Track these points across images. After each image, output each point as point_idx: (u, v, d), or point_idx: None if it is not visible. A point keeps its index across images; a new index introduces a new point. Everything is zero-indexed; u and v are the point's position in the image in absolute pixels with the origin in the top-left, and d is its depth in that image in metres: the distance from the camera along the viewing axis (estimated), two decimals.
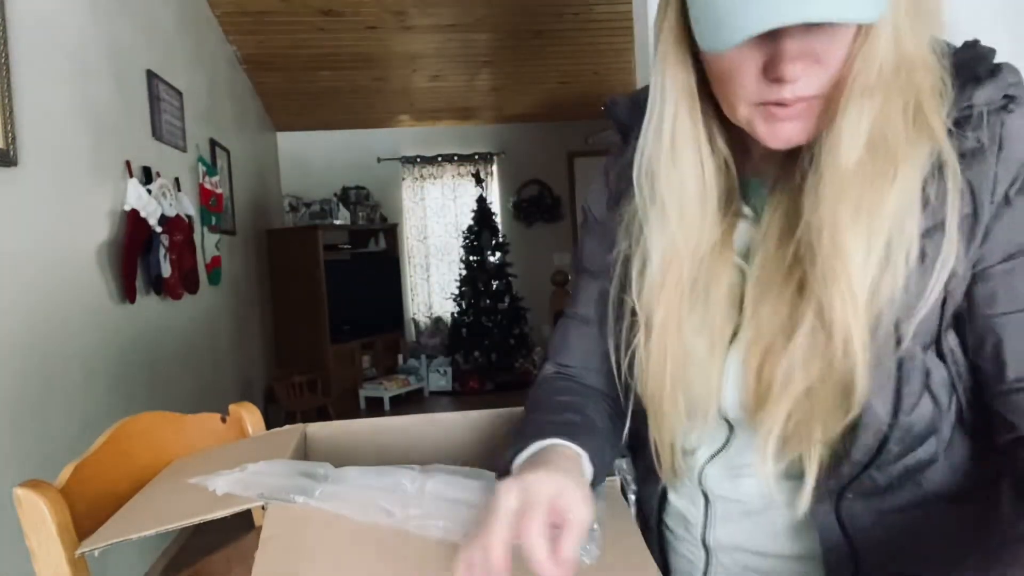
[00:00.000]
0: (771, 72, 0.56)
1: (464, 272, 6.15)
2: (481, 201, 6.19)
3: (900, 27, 0.56)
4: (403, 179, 6.73)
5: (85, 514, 0.77)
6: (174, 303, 3.23)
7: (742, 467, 0.70)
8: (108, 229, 2.62)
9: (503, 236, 6.31)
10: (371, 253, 6.21)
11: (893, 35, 0.56)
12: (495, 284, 6.12)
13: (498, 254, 6.15)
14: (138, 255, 2.79)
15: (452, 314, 6.31)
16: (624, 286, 0.70)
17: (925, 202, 0.58)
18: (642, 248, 0.68)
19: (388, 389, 5.49)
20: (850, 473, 0.62)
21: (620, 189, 0.74)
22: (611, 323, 0.72)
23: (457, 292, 6.17)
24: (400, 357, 6.15)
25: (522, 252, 6.66)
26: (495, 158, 6.83)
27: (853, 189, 0.57)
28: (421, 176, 6.77)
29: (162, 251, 2.98)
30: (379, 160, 6.64)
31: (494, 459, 0.68)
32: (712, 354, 0.66)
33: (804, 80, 0.56)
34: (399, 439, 0.96)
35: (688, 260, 0.65)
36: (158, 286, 2.98)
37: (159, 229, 2.92)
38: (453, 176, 6.82)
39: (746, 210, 0.68)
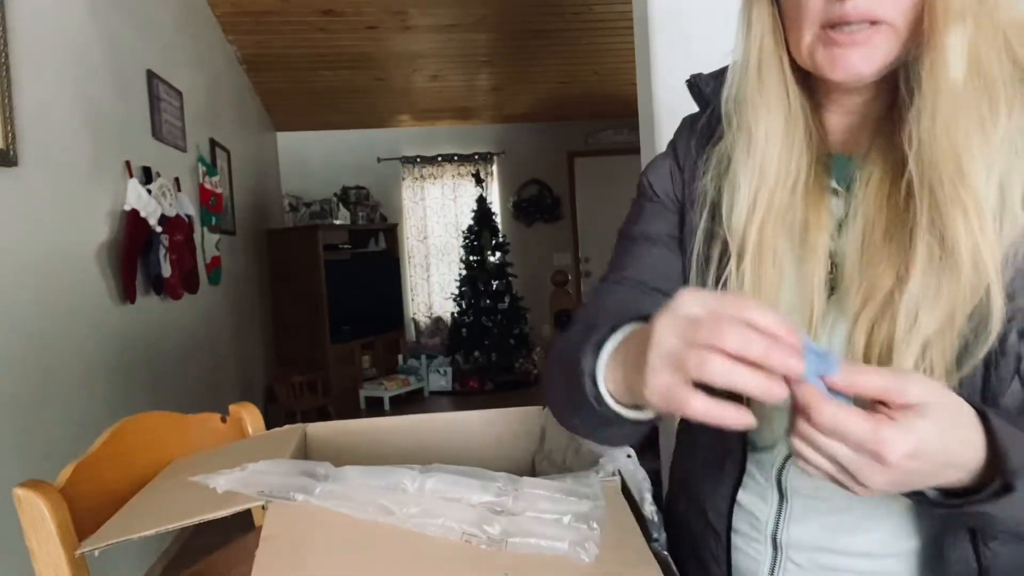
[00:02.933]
0: None
1: (464, 272, 6.15)
2: (481, 201, 6.19)
3: None
4: (403, 179, 6.73)
5: (85, 514, 0.77)
6: (174, 303, 3.23)
7: None
8: (108, 229, 2.62)
9: (503, 236, 6.31)
10: (371, 253, 6.21)
11: None
12: (495, 284, 6.12)
13: (498, 254, 6.15)
14: (138, 255, 2.79)
15: (452, 314, 6.31)
16: (712, 222, 0.69)
17: None
18: (731, 177, 0.68)
19: (388, 389, 5.49)
20: None
21: (697, 150, 0.74)
22: (695, 269, 0.71)
23: (457, 292, 6.17)
24: (400, 357, 6.15)
25: (522, 252, 6.66)
26: (495, 158, 6.83)
27: (965, 108, 0.56)
28: (421, 176, 6.77)
29: (162, 251, 2.98)
30: (379, 160, 6.64)
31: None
32: (806, 327, 0.63)
33: None
34: (399, 439, 0.96)
35: (778, 186, 0.65)
36: (158, 286, 2.98)
37: (159, 229, 2.92)
38: (453, 176, 6.82)
39: (834, 184, 0.67)
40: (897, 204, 0.60)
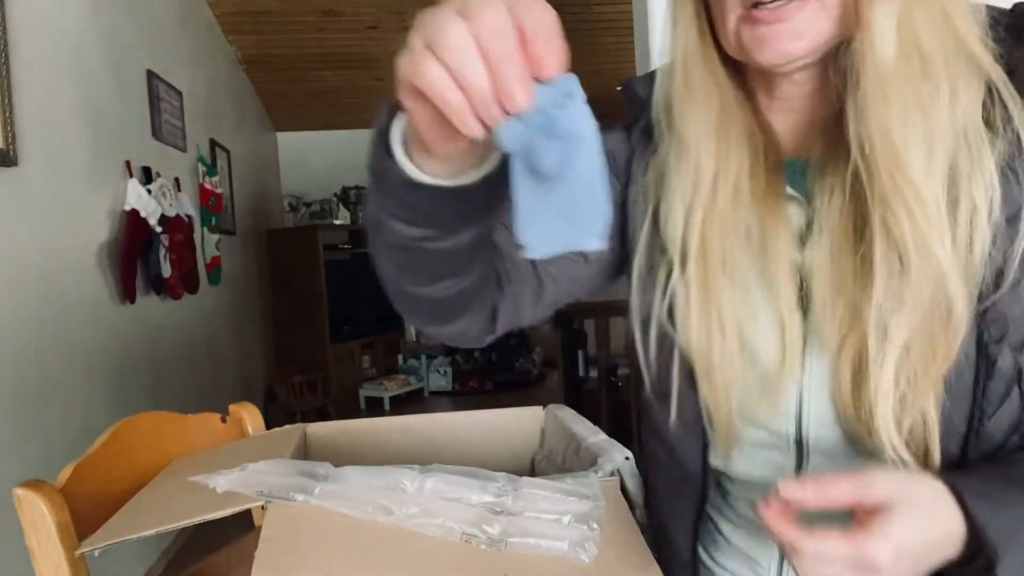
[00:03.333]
0: None
1: None
2: None
3: None
4: None
5: (85, 514, 0.77)
6: (174, 303, 3.23)
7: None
8: (108, 229, 2.62)
9: None
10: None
11: None
12: None
13: None
14: (138, 255, 2.79)
15: None
16: (652, 235, 0.65)
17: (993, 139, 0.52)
18: (667, 182, 0.64)
19: (388, 389, 5.49)
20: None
21: (635, 157, 0.70)
22: (639, 285, 0.66)
23: None
24: (400, 357, 6.15)
25: None
26: None
27: (899, 88, 0.52)
28: None
29: (162, 251, 2.98)
30: None
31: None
32: (782, 350, 0.59)
33: None
34: (399, 439, 0.96)
35: (719, 190, 0.60)
36: (158, 286, 2.98)
37: (159, 229, 2.92)
38: None
39: (791, 191, 0.62)
40: (860, 213, 0.56)
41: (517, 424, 0.99)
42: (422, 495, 0.65)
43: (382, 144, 0.50)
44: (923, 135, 0.52)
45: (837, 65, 0.56)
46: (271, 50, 4.77)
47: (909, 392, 0.54)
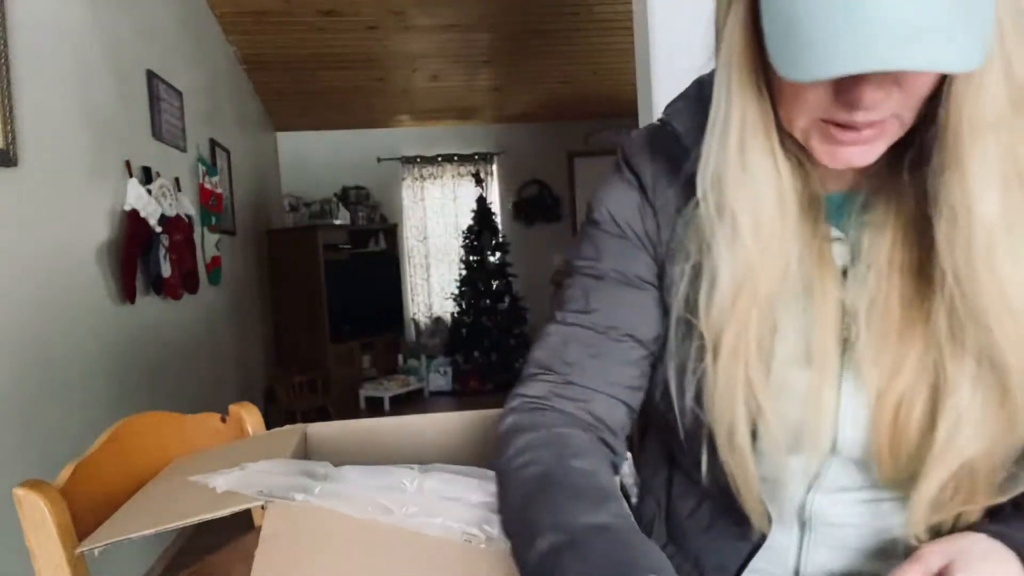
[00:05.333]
0: (846, 94, 0.50)
1: (464, 272, 6.15)
2: (481, 201, 6.19)
3: (1012, 59, 0.50)
4: (403, 179, 6.72)
5: (85, 514, 0.77)
6: (174, 303, 3.23)
7: (848, 489, 0.64)
8: (108, 229, 2.62)
9: (503, 236, 6.31)
10: (371, 253, 6.21)
11: (1003, 70, 0.50)
12: (495, 284, 6.11)
13: (498, 254, 6.15)
14: (138, 255, 2.79)
15: (452, 314, 6.30)
16: (689, 304, 0.63)
17: None
18: (709, 266, 0.60)
19: (388, 389, 5.49)
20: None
21: (680, 199, 0.66)
22: (675, 343, 0.64)
23: (457, 292, 6.17)
24: (400, 357, 6.15)
25: (522, 252, 6.66)
26: (495, 158, 6.83)
27: (1007, 237, 0.52)
28: (421, 176, 6.77)
29: (162, 251, 2.98)
30: (379, 160, 6.64)
31: None
32: (820, 386, 0.59)
33: (881, 106, 0.50)
34: (399, 439, 0.96)
35: (764, 279, 0.58)
36: (158, 286, 2.98)
37: (159, 229, 2.92)
38: (453, 176, 6.82)
39: (835, 232, 0.61)
40: (913, 267, 0.57)
41: None
42: (422, 495, 0.65)
43: None
44: None
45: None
46: (271, 50, 4.77)
47: (951, 500, 0.56)
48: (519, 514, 0.58)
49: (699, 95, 0.65)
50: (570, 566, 0.49)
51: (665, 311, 0.68)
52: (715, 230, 0.60)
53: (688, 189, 0.63)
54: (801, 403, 0.60)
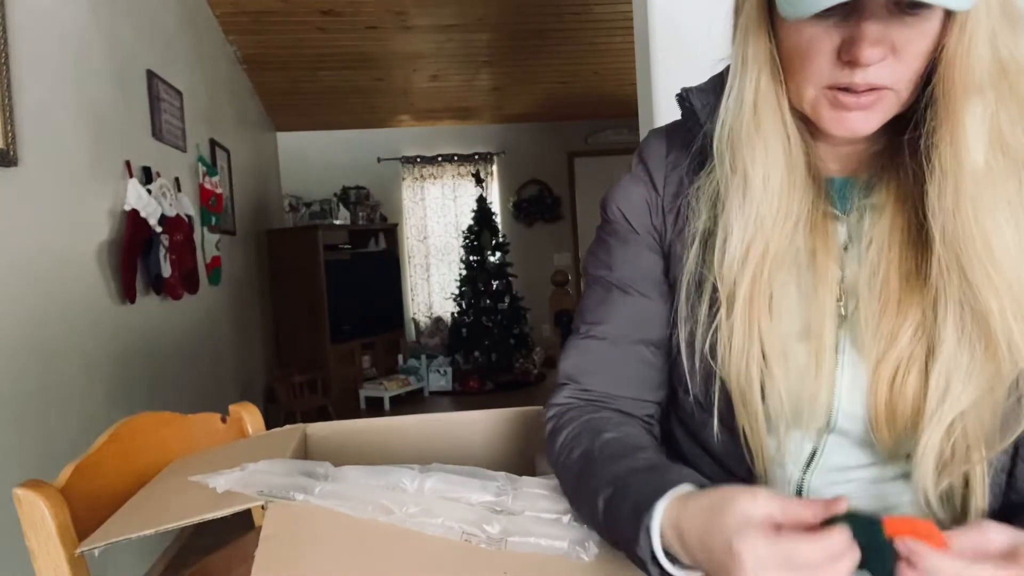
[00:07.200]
0: (846, 53, 0.55)
1: (464, 272, 6.15)
2: (481, 201, 6.19)
3: (995, 31, 0.55)
4: (403, 179, 6.73)
5: (85, 514, 0.77)
6: (174, 303, 3.23)
7: (844, 469, 0.66)
8: (108, 229, 2.62)
9: (503, 236, 6.31)
10: (371, 253, 6.21)
11: (988, 38, 0.55)
12: (495, 284, 6.11)
13: (498, 254, 6.15)
14: (138, 255, 2.79)
15: (452, 314, 6.30)
16: (702, 263, 0.67)
17: None
18: (724, 222, 0.65)
19: (388, 389, 5.49)
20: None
21: (689, 176, 0.71)
22: (686, 307, 0.68)
23: (457, 292, 6.17)
24: (400, 357, 6.15)
25: (522, 252, 6.66)
26: (495, 158, 6.83)
27: (989, 188, 0.56)
28: (421, 176, 6.77)
29: (162, 251, 2.98)
30: (379, 160, 6.64)
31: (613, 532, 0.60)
32: (818, 360, 0.62)
33: (878, 68, 0.55)
34: (399, 439, 0.96)
35: (775, 233, 0.63)
36: (158, 286, 2.98)
37: (159, 229, 2.92)
38: (453, 176, 6.82)
39: (835, 211, 0.66)
40: (912, 241, 0.61)
41: (517, 424, 0.99)
42: (422, 495, 0.65)
43: (654, 564, 0.55)
44: (1014, 232, 0.56)
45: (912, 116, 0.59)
46: (271, 50, 4.77)
47: (954, 448, 0.58)
48: (577, 495, 0.65)
49: (717, 81, 0.70)
50: (620, 507, 0.58)
51: (671, 287, 0.72)
52: (729, 187, 0.65)
53: (700, 164, 0.69)
54: (799, 376, 0.63)
